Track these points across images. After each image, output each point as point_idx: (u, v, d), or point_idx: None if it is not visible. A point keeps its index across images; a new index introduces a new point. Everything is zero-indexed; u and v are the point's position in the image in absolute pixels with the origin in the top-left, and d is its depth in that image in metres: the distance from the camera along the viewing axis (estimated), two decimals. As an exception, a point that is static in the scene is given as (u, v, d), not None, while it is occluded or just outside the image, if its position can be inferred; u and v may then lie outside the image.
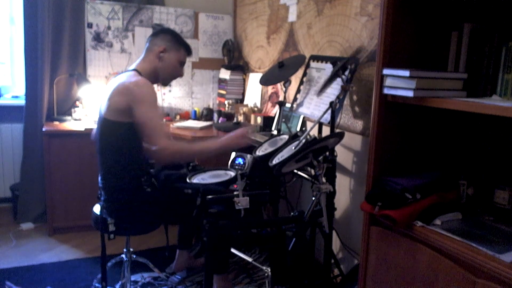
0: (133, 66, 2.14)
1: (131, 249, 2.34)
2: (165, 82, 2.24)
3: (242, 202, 1.90)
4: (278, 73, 2.54)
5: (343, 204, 2.55)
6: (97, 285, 2.47)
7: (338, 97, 2.09)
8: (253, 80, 3.60)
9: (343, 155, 2.50)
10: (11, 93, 3.65)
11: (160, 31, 2.22)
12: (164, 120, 3.58)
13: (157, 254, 2.86)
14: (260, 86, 3.46)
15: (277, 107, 2.99)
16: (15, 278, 2.57)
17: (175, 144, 2.02)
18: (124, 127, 1.98)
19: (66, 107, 3.52)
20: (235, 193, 1.94)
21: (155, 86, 2.24)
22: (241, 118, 3.37)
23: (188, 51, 2.24)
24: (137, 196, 2.06)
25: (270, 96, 3.35)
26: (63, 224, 3.20)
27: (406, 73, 1.51)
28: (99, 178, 2.11)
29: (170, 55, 2.16)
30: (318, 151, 1.85)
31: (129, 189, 2.05)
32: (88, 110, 3.51)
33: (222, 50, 3.88)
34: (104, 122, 2.02)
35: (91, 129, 2.39)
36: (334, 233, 2.37)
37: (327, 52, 2.67)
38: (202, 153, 2.17)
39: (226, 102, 3.62)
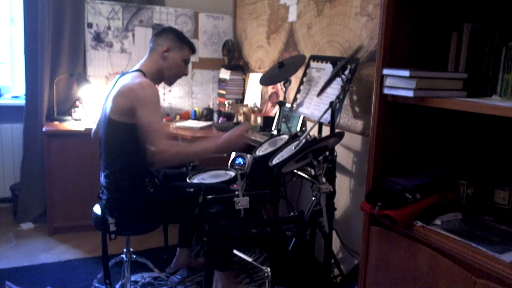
0: (137, 66, 2.15)
1: (131, 249, 2.34)
2: (171, 82, 2.24)
3: (242, 202, 1.90)
4: (278, 73, 2.54)
5: (343, 204, 2.55)
6: (97, 285, 2.47)
7: (338, 97, 2.09)
8: (253, 80, 3.60)
9: (343, 155, 2.50)
10: (11, 93, 3.65)
11: (163, 31, 2.22)
12: (165, 120, 3.58)
13: (157, 254, 2.86)
14: (260, 86, 3.46)
15: (277, 107, 2.99)
16: (15, 278, 2.57)
17: (174, 146, 2.01)
18: (128, 128, 1.98)
19: (66, 107, 3.52)
20: (235, 193, 1.94)
21: (159, 85, 2.24)
22: (241, 118, 3.37)
23: (191, 49, 2.25)
24: (139, 196, 2.07)
25: (270, 96, 3.35)
26: (63, 224, 3.20)
27: (406, 73, 1.51)
28: (102, 177, 2.11)
29: (174, 54, 2.17)
30: (318, 151, 1.85)
31: (132, 189, 2.05)
32: (88, 110, 3.51)
33: (222, 50, 3.88)
34: (109, 122, 2.02)
35: (91, 129, 2.39)
36: (334, 233, 2.37)
37: (327, 52, 2.67)
38: (202, 154, 2.15)
39: (226, 102, 3.62)
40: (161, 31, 2.22)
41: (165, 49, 2.14)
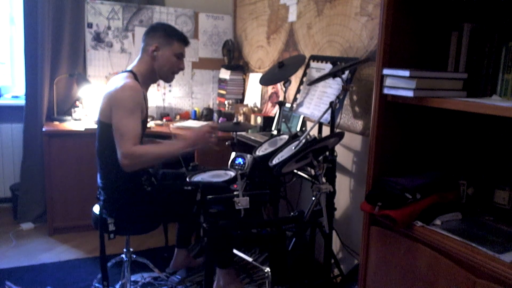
0: (130, 67, 2.14)
1: (131, 249, 2.34)
2: (167, 79, 2.19)
3: (242, 202, 1.90)
4: (278, 73, 2.54)
5: (343, 204, 2.55)
6: (97, 285, 2.47)
7: (338, 97, 2.09)
8: (253, 80, 3.60)
9: (343, 155, 2.50)
10: (11, 93, 3.65)
11: (151, 29, 2.16)
12: (164, 120, 3.58)
13: (157, 254, 2.86)
14: (260, 86, 3.46)
15: (277, 107, 2.99)
16: (15, 278, 2.57)
17: (140, 147, 1.93)
18: None
19: (66, 107, 3.52)
20: (235, 193, 1.94)
21: (156, 84, 2.22)
22: (241, 118, 3.37)
23: (182, 41, 2.17)
24: (137, 195, 2.06)
25: (270, 96, 3.35)
26: (63, 224, 3.20)
27: (406, 73, 1.51)
28: (98, 178, 2.10)
29: (163, 52, 2.11)
30: (318, 151, 1.85)
31: (129, 189, 2.05)
32: (88, 110, 3.51)
33: (222, 50, 3.88)
34: (100, 124, 2.03)
35: (92, 129, 2.38)
36: (334, 233, 2.37)
37: (327, 52, 2.67)
38: (169, 154, 2.03)
39: (226, 102, 3.62)
40: (149, 29, 2.16)
41: (153, 48, 2.10)
